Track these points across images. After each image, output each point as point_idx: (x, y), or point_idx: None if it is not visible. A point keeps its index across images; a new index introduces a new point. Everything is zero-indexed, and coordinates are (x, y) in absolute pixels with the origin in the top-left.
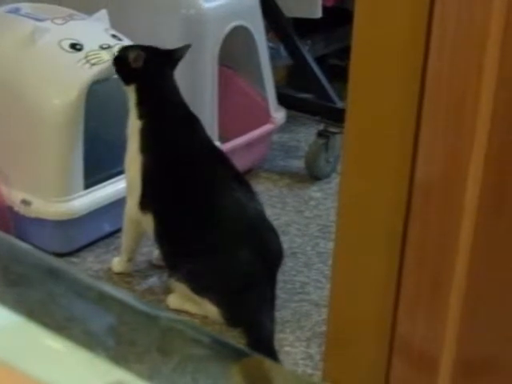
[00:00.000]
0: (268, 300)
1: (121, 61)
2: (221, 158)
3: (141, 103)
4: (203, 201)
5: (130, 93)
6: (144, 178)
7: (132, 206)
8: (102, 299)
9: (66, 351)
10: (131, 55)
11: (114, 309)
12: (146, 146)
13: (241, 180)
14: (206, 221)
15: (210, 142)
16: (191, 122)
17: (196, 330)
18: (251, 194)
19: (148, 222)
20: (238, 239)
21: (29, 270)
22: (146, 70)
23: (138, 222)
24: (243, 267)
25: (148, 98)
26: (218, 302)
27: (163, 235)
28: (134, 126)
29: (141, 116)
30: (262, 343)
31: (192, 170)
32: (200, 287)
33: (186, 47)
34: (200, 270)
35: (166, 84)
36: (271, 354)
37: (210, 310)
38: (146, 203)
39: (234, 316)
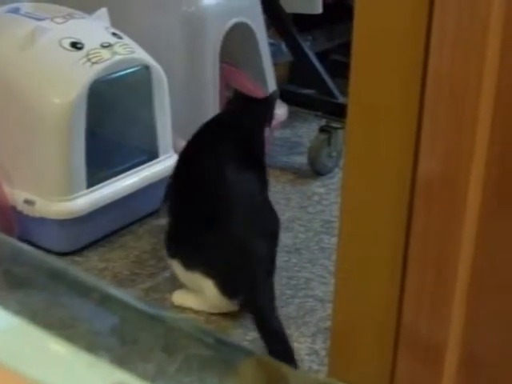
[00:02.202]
0: (265, 266)
1: None
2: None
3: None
4: (203, 177)
5: None
6: None
7: None
8: (105, 300)
9: (68, 353)
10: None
11: (117, 310)
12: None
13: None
14: (201, 198)
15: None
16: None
17: (200, 329)
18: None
19: None
20: (228, 210)
21: (31, 272)
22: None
23: None
24: (234, 235)
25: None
26: (210, 274)
27: (171, 208)
28: None
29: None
30: (263, 310)
31: (201, 152)
32: (192, 261)
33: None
34: (192, 243)
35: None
36: (273, 320)
37: (206, 285)
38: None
39: (229, 285)
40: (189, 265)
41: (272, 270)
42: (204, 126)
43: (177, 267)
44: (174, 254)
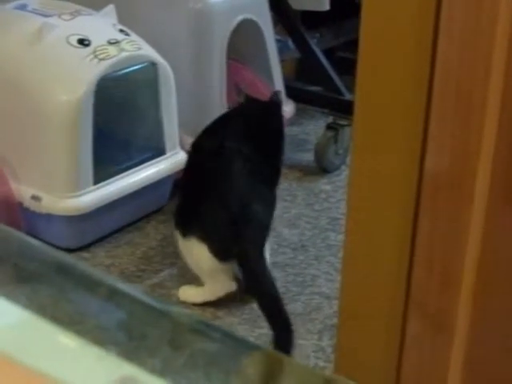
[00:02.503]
0: (258, 232)
1: None
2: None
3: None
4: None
5: None
6: None
7: None
8: (113, 295)
9: (77, 347)
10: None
11: (125, 304)
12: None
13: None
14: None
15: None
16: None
17: (206, 324)
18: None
19: None
20: (227, 185)
21: (39, 266)
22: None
23: None
24: (230, 203)
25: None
26: (204, 238)
27: (181, 190)
28: None
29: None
30: (255, 270)
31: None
32: (189, 228)
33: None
34: (191, 213)
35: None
36: (265, 281)
37: (200, 250)
38: None
39: (221, 246)
40: (186, 232)
41: (265, 236)
42: (214, 121)
43: (177, 237)
44: (176, 224)
